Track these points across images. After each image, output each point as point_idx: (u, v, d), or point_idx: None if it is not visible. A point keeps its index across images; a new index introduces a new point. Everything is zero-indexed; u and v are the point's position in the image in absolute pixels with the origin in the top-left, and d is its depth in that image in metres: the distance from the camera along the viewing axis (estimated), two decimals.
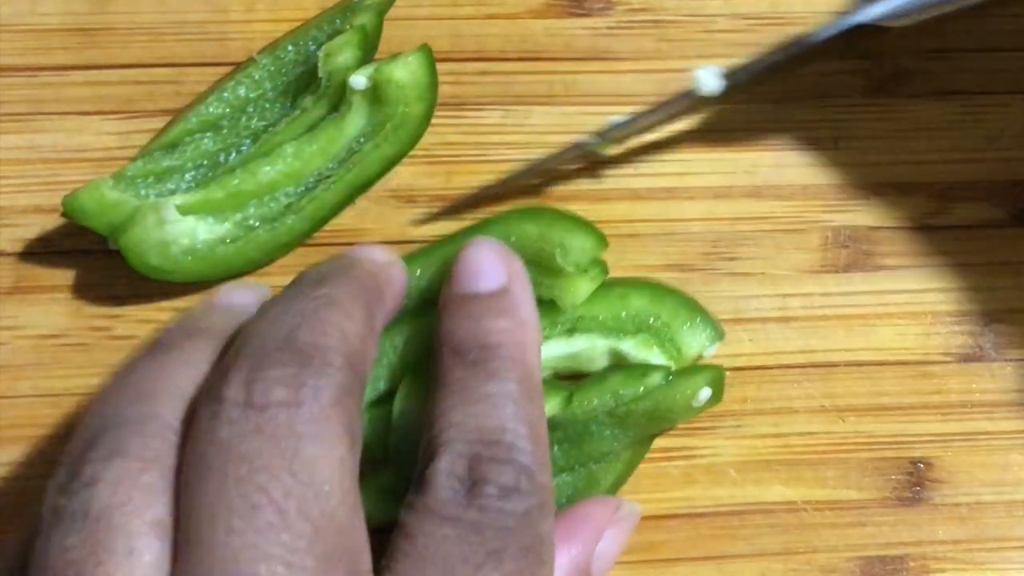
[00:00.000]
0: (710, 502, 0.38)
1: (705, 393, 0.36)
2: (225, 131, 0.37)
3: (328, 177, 0.36)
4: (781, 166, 0.39)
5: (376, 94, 0.36)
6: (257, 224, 0.36)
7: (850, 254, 0.39)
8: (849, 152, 0.39)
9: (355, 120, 0.36)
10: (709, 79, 0.35)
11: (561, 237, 0.36)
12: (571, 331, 0.36)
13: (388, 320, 0.33)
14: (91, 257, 0.38)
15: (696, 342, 0.37)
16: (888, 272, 0.39)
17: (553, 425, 0.35)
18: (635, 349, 0.36)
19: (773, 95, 0.39)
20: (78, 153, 0.38)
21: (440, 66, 0.39)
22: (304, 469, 0.26)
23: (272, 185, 0.36)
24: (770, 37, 0.40)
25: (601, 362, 0.37)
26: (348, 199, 0.37)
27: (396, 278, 0.33)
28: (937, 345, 0.39)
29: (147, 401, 0.28)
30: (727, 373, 0.38)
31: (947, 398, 0.38)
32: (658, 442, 0.38)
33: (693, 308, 0.37)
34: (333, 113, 0.37)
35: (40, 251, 0.38)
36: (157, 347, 0.30)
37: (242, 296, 0.33)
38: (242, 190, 0.36)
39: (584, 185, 0.39)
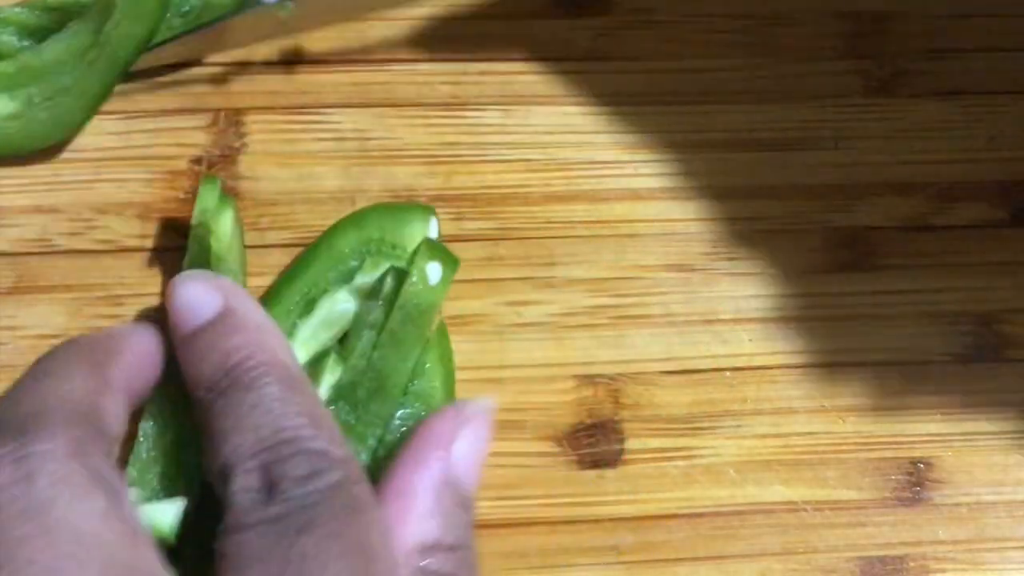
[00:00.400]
0: (710, 502, 0.38)
1: (433, 267, 0.36)
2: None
3: (89, 60, 0.37)
4: (781, 166, 0.39)
5: None
6: (38, 102, 0.37)
7: (850, 254, 0.39)
8: (849, 152, 0.39)
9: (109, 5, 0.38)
10: None
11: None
12: (308, 304, 0.37)
13: (146, 374, 0.33)
14: (91, 257, 0.38)
15: (414, 232, 0.37)
16: (888, 272, 0.39)
17: (352, 388, 0.35)
18: (370, 276, 0.37)
19: (773, 95, 0.39)
20: (78, 154, 0.38)
21: (440, 66, 0.39)
22: (63, 530, 0.26)
23: (56, 64, 0.37)
24: (770, 37, 0.40)
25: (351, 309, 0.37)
26: (112, 78, 0.38)
27: (136, 338, 0.33)
28: (937, 345, 0.39)
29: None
30: (728, 373, 0.38)
31: (947, 398, 0.38)
32: (658, 442, 0.38)
33: (393, 208, 0.37)
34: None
35: (40, 251, 0.38)
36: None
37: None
38: (30, 66, 0.37)
39: (584, 185, 0.39)
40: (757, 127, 0.39)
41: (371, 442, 0.35)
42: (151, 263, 0.38)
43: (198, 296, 0.33)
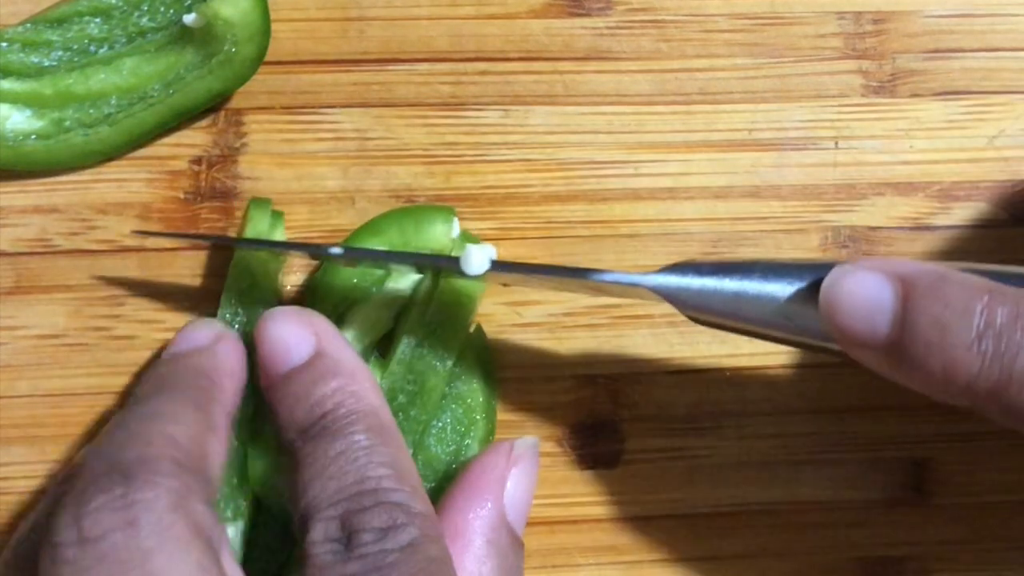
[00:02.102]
0: (710, 502, 0.38)
1: (476, 251, 0.35)
2: (114, 22, 0.37)
3: (151, 98, 0.37)
4: (781, 166, 0.39)
5: (209, 31, 0.36)
6: (72, 127, 0.37)
7: (850, 254, 0.39)
8: (849, 152, 0.39)
9: (189, 52, 0.37)
10: (479, 259, 0.34)
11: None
12: (339, 317, 0.37)
13: (237, 398, 0.33)
14: (91, 257, 0.38)
15: (437, 234, 0.37)
16: None
17: (392, 394, 0.36)
18: (400, 282, 0.37)
19: (773, 95, 0.39)
20: None
21: (440, 66, 0.39)
22: None
23: (100, 93, 0.37)
24: (770, 37, 0.40)
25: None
26: (166, 122, 0.37)
27: (226, 355, 0.33)
28: None
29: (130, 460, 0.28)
30: (728, 373, 0.38)
31: None
32: (658, 442, 0.38)
33: (411, 211, 0.38)
34: (178, 43, 0.37)
35: (40, 251, 0.38)
36: (130, 410, 0.31)
37: (193, 340, 0.34)
38: (71, 91, 0.37)
39: (584, 185, 0.39)
40: (757, 127, 0.39)
41: (410, 451, 0.35)
42: (151, 263, 0.38)
43: (291, 336, 0.33)
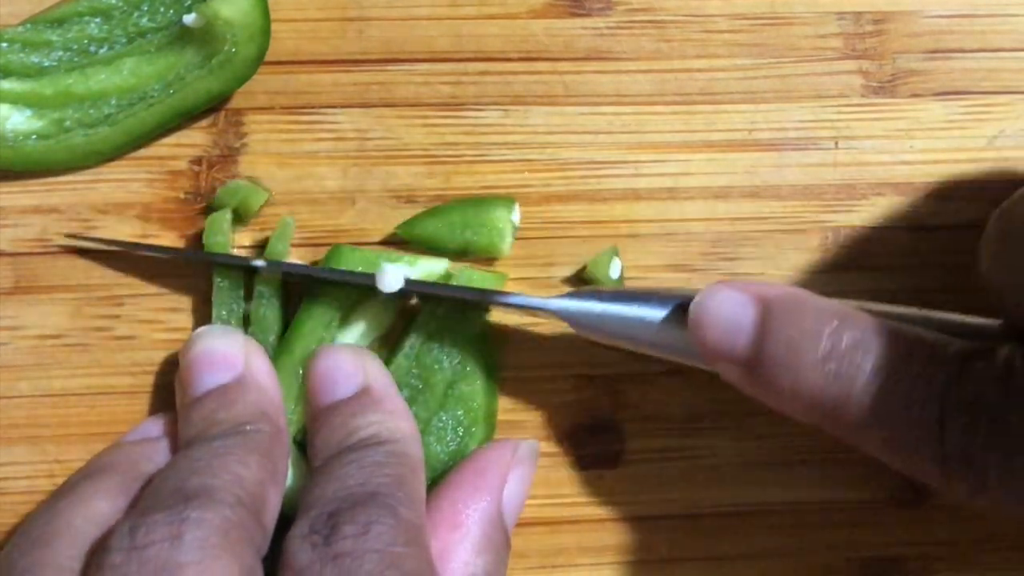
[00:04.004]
0: (710, 502, 0.38)
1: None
2: (114, 22, 0.37)
3: (151, 98, 0.37)
4: (781, 166, 0.39)
5: (209, 31, 0.36)
6: (72, 127, 0.37)
7: (850, 254, 0.39)
8: (849, 152, 0.39)
9: (189, 52, 0.37)
10: (393, 277, 0.35)
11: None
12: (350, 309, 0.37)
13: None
14: (91, 257, 0.38)
15: (500, 215, 0.37)
16: (888, 272, 0.39)
17: (398, 385, 0.36)
18: (418, 268, 0.37)
19: (773, 95, 0.39)
20: None
21: (440, 66, 0.39)
22: None
23: (100, 93, 0.37)
24: (770, 37, 0.40)
25: None
26: (166, 122, 0.37)
27: (277, 391, 0.34)
28: None
29: (40, 548, 0.29)
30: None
31: None
32: (658, 442, 0.38)
33: (475, 202, 0.38)
34: (178, 43, 0.37)
35: (40, 251, 0.38)
36: (57, 492, 0.31)
37: (145, 431, 0.35)
38: (71, 91, 0.37)
39: (584, 185, 0.39)
40: (757, 127, 0.39)
41: None
42: (151, 263, 0.38)
43: (343, 368, 0.34)
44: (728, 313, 0.31)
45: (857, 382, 0.29)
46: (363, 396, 0.34)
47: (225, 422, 0.32)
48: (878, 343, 0.30)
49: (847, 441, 0.31)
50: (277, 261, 0.36)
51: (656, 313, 0.33)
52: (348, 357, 0.35)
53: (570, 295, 0.34)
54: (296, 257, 0.38)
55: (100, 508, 0.30)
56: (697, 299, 0.32)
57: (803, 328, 0.30)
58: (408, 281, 0.35)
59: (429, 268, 0.37)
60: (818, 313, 0.31)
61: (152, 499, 0.29)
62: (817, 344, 0.30)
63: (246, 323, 0.37)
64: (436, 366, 0.36)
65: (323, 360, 0.35)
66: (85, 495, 0.31)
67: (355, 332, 0.37)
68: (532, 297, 0.35)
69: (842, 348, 0.30)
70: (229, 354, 0.34)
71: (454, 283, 0.37)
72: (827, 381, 0.30)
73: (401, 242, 0.38)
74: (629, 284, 0.38)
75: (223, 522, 0.28)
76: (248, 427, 0.32)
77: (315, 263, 0.38)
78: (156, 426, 0.35)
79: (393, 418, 0.33)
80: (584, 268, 0.38)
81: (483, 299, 0.36)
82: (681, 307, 0.33)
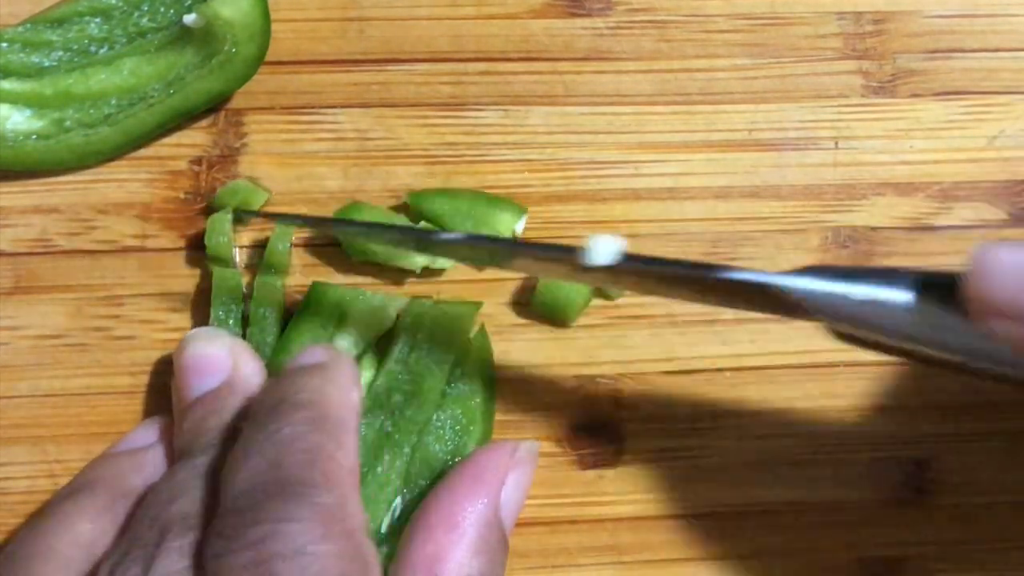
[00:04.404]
0: (710, 502, 0.38)
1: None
2: (114, 22, 0.37)
3: (151, 98, 0.37)
4: (781, 166, 0.39)
5: (209, 31, 0.36)
6: (72, 127, 0.37)
7: (850, 254, 0.39)
8: (849, 152, 0.39)
9: (189, 52, 0.37)
10: (606, 250, 0.31)
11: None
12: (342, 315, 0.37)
13: None
14: (91, 257, 0.38)
15: (507, 219, 0.37)
16: None
17: (387, 393, 0.36)
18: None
19: (773, 95, 0.39)
20: None
21: (440, 66, 0.39)
22: None
23: (100, 93, 0.37)
24: (770, 37, 0.40)
25: None
26: (166, 122, 0.37)
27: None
28: None
29: (21, 571, 0.29)
30: (728, 373, 0.38)
31: (947, 398, 0.38)
32: (658, 442, 0.38)
33: (488, 197, 0.38)
34: (178, 43, 0.37)
35: (40, 251, 0.38)
36: (42, 511, 0.31)
37: (133, 440, 0.34)
38: (71, 91, 0.37)
39: (584, 185, 0.39)
40: (757, 127, 0.39)
41: (407, 449, 0.36)
42: (151, 263, 0.38)
43: (311, 349, 0.33)
44: (1018, 258, 0.26)
45: None
46: (317, 366, 0.32)
47: (213, 430, 0.32)
48: None
49: None
50: (478, 235, 0.36)
51: (903, 288, 0.27)
52: (320, 346, 0.34)
53: (801, 271, 0.29)
54: (296, 259, 0.38)
55: (83, 531, 0.30)
56: (977, 253, 0.27)
57: None
58: (622, 254, 0.31)
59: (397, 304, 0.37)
60: None
61: (133, 533, 0.29)
62: None
63: (245, 323, 0.37)
64: (428, 371, 0.36)
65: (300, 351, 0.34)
66: (68, 516, 0.30)
67: (348, 336, 0.37)
68: (757, 272, 0.29)
69: None
70: (217, 358, 0.34)
71: (428, 317, 0.36)
72: None
73: (404, 208, 0.38)
74: None
75: (194, 549, 0.27)
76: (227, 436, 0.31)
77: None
78: (145, 434, 0.35)
79: (326, 382, 0.31)
80: None
81: (705, 275, 0.30)
82: (935, 283, 0.28)
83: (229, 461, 0.29)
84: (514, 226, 0.37)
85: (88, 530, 0.30)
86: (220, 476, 0.29)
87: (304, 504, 0.27)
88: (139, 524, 0.29)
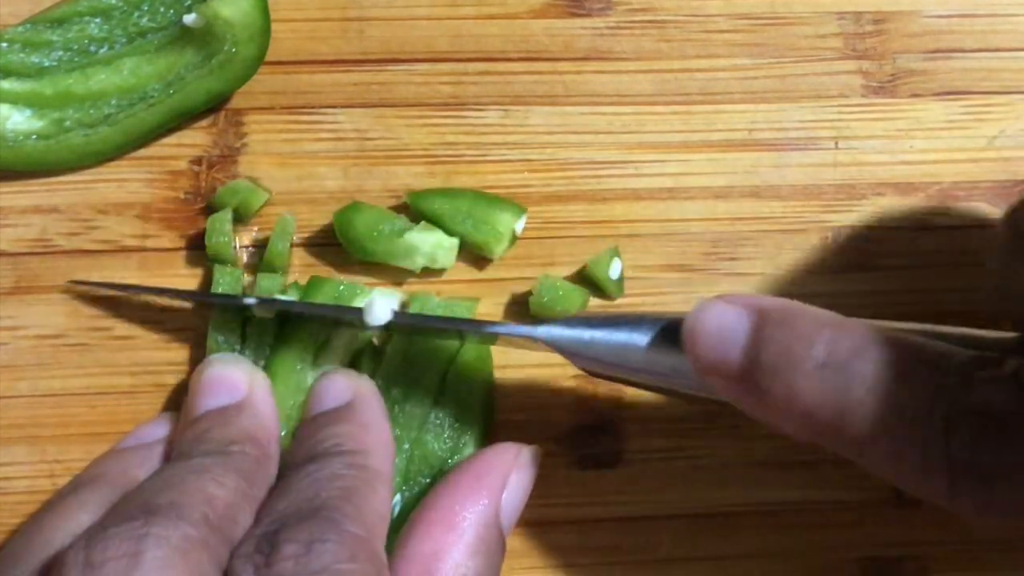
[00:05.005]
0: (710, 502, 0.38)
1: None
2: (114, 22, 0.37)
3: (151, 98, 0.37)
4: (781, 166, 0.39)
5: (209, 31, 0.36)
6: (72, 127, 0.37)
7: (850, 254, 0.39)
8: (849, 152, 0.39)
9: (189, 52, 0.37)
10: (381, 310, 0.35)
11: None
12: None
13: (278, 460, 0.33)
14: (91, 257, 0.38)
15: (506, 219, 0.37)
16: (888, 272, 0.39)
17: (386, 387, 0.36)
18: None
19: (773, 95, 0.39)
20: None
21: (440, 66, 0.39)
22: None
23: (100, 93, 0.37)
24: (770, 37, 0.40)
25: None
26: (166, 122, 0.37)
27: (271, 414, 0.34)
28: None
29: (16, 566, 0.29)
30: None
31: None
32: (658, 442, 0.38)
33: (488, 197, 0.38)
34: (178, 43, 0.37)
35: (40, 251, 0.38)
36: (46, 504, 0.31)
37: (140, 435, 0.35)
38: (71, 91, 0.37)
39: (584, 185, 0.39)
40: (757, 127, 0.39)
41: (406, 445, 0.36)
42: (151, 263, 0.38)
43: (334, 386, 0.35)
44: (722, 323, 0.30)
45: (856, 390, 0.28)
46: (345, 409, 0.34)
47: (212, 441, 0.32)
48: (877, 350, 0.29)
49: (848, 456, 0.30)
50: (269, 298, 0.36)
51: (646, 336, 0.32)
52: (341, 376, 0.35)
53: (558, 322, 0.33)
54: (296, 259, 0.38)
55: (81, 522, 0.30)
56: (690, 313, 0.31)
57: (798, 334, 0.29)
58: (395, 313, 0.35)
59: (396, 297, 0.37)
60: (814, 320, 0.30)
61: (116, 513, 0.28)
62: (813, 350, 0.29)
63: (245, 323, 0.37)
64: (426, 366, 0.36)
65: (319, 381, 0.35)
66: (69, 509, 0.30)
67: (348, 334, 0.37)
68: (518, 326, 0.34)
69: (840, 354, 0.29)
70: (233, 379, 0.34)
71: (413, 311, 0.37)
72: (824, 390, 0.29)
73: (404, 208, 0.38)
74: (629, 284, 0.38)
75: (183, 540, 0.27)
76: (234, 447, 0.31)
77: (310, 283, 0.38)
78: (152, 430, 0.35)
79: (362, 430, 0.33)
80: (584, 268, 0.38)
81: (471, 330, 0.35)
82: (672, 329, 0.32)
83: (268, 499, 0.30)
84: (514, 226, 0.37)
85: (87, 521, 0.30)
86: (258, 513, 0.30)
87: (336, 529, 0.28)
88: (125, 504, 0.29)
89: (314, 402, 0.34)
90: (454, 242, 0.37)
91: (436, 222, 0.37)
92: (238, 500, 0.30)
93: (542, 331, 0.33)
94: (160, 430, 0.35)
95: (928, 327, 0.31)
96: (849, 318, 0.30)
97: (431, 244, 0.37)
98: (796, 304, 0.31)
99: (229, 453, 0.31)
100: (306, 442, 0.32)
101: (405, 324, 0.35)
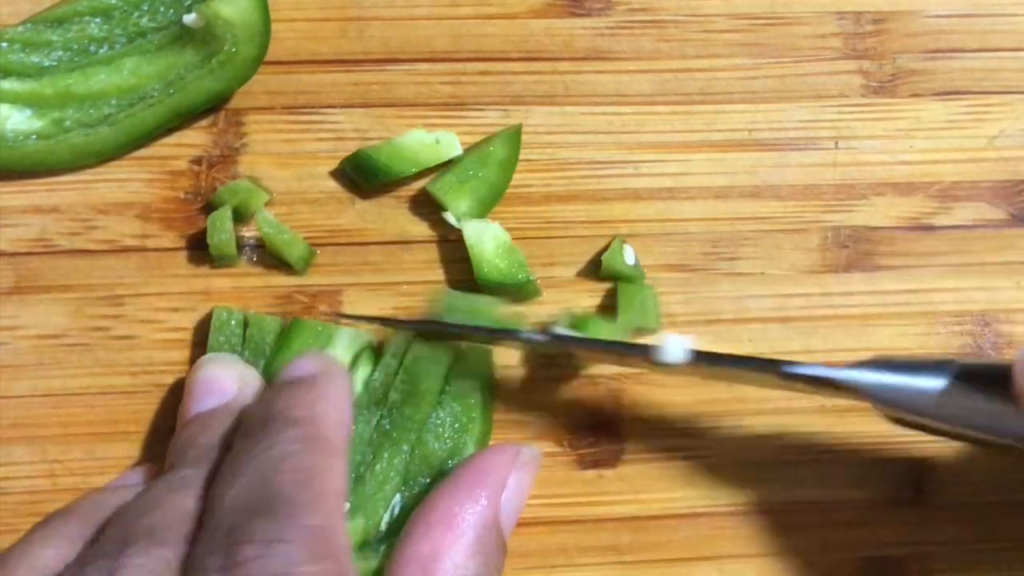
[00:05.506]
0: (710, 502, 0.38)
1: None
2: (114, 22, 0.37)
3: (151, 98, 0.37)
4: (781, 166, 0.39)
5: (209, 31, 0.36)
6: (72, 127, 0.37)
7: (850, 254, 0.39)
8: (849, 152, 0.39)
9: (189, 52, 0.37)
10: (676, 349, 0.33)
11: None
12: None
13: None
14: (91, 257, 0.38)
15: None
16: (888, 272, 0.39)
17: (384, 389, 0.36)
18: None
19: (773, 95, 0.39)
20: None
21: (440, 66, 0.39)
22: None
23: (100, 93, 0.37)
24: (770, 37, 0.40)
25: None
26: (166, 122, 0.37)
27: None
28: (937, 345, 0.39)
29: None
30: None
31: None
32: (658, 442, 0.38)
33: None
34: (178, 43, 0.37)
35: (40, 251, 0.38)
36: (13, 544, 0.30)
37: (125, 479, 0.34)
38: (71, 91, 0.37)
39: (584, 185, 0.39)
40: (757, 127, 0.39)
41: (406, 447, 0.36)
42: (151, 263, 0.38)
43: (304, 361, 0.33)
44: None
45: None
46: (307, 380, 0.32)
47: (199, 447, 0.31)
48: None
49: None
50: (554, 332, 0.36)
51: (957, 380, 0.30)
52: (313, 355, 0.34)
53: (862, 365, 0.31)
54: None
55: (45, 557, 0.29)
56: (1020, 353, 0.29)
57: None
58: (690, 352, 0.33)
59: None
60: None
61: (97, 545, 0.28)
62: None
63: (246, 324, 0.37)
64: (425, 372, 0.36)
65: (294, 360, 0.34)
66: (35, 543, 0.29)
67: (348, 334, 0.37)
68: (821, 367, 0.32)
69: None
70: (223, 380, 0.34)
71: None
72: None
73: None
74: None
75: (158, 565, 0.26)
76: (216, 454, 0.31)
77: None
78: (133, 476, 0.34)
79: (319, 399, 0.31)
80: (588, 264, 0.38)
81: (767, 371, 0.33)
82: (986, 373, 0.29)
83: (219, 477, 0.29)
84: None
85: (51, 555, 0.29)
86: (209, 492, 0.29)
87: (293, 525, 0.27)
88: (105, 536, 0.28)
89: (281, 375, 0.33)
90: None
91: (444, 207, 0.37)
92: None
93: (846, 375, 0.31)
94: (139, 476, 0.34)
95: None
96: None
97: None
98: None
99: (204, 458, 0.30)
100: (260, 405, 0.32)
101: (699, 364, 0.33)
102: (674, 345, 0.33)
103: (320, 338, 0.36)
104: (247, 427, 0.31)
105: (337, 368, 0.34)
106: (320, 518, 0.28)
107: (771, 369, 0.33)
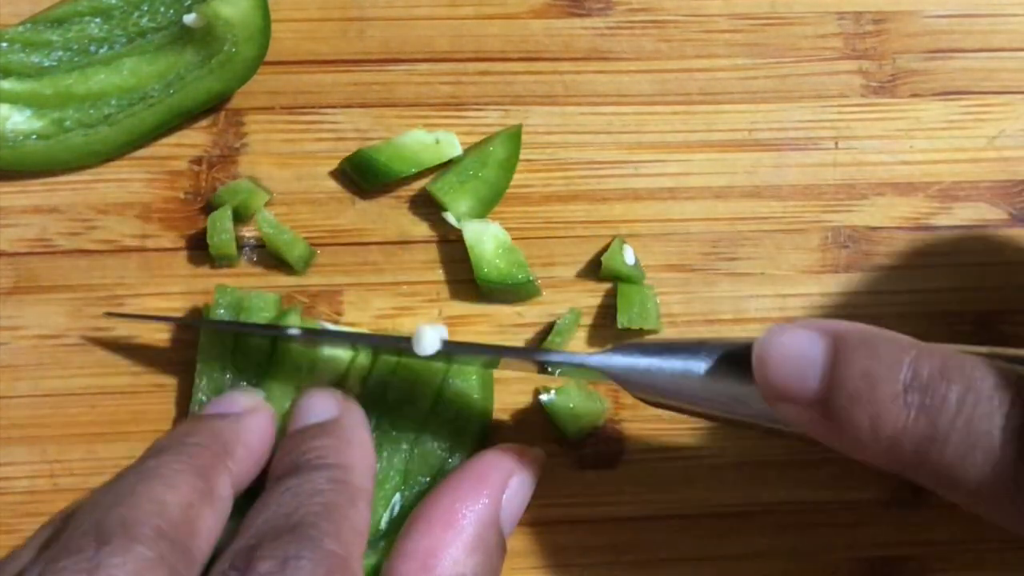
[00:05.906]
0: (710, 502, 0.38)
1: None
2: (114, 22, 0.37)
3: (151, 98, 0.37)
4: (781, 166, 0.39)
5: (209, 31, 0.36)
6: (72, 127, 0.37)
7: (850, 254, 0.39)
8: (849, 152, 0.39)
9: (189, 52, 0.37)
10: (431, 339, 0.33)
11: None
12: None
13: (251, 473, 0.32)
14: (91, 257, 0.38)
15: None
16: (888, 272, 0.39)
17: (381, 389, 0.36)
18: None
19: (773, 95, 0.39)
20: None
21: (440, 66, 0.39)
22: None
23: (100, 93, 0.37)
24: (770, 37, 0.40)
25: None
26: (166, 122, 0.37)
27: (252, 428, 0.33)
28: None
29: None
30: None
31: None
32: (658, 442, 0.38)
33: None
34: (178, 43, 0.37)
35: (40, 251, 0.38)
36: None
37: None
38: (71, 91, 0.37)
39: (584, 185, 0.39)
40: (757, 127, 0.39)
41: (405, 446, 0.36)
42: (151, 263, 0.38)
43: (320, 401, 0.34)
44: (796, 348, 0.29)
45: (944, 414, 0.27)
46: (330, 424, 0.33)
47: (171, 436, 0.31)
48: (962, 372, 0.28)
49: (934, 488, 0.29)
50: (314, 329, 0.36)
51: (705, 363, 0.30)
52: (329, 393, 0.35)
53: (614, 350, 0.32)
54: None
55: (22, 558, 0.28)
56: (761, 338, 0.30)
57: (880, 357, 0.28)
58: (444, 343, 0.34)
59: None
60: (895, 342, 0.29)
61: (66, 538, 0.27)
62: (896, 374, 0.27)
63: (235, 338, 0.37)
64: (423, 371, 0.36)
65: (304, 396, 0.34)
66: (21, 549, 0.29)
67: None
68: (572, 354, 0.33)
69: (924, 377, 0.27)
70: (233, 400, 0.34)
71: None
72: (910, 414, 0.27)
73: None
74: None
75: (139, 563, 0.26)
76: (189, 439, 0.31)
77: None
78: (237, 401, 0.34)
79: (347, 445, 0.32)
80: (588, 264, 0.38)
81: (521, 358, 0.34)
82: (734, 355, 0.30)
83: (249, 512, 0.30)
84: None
85: (27, 556, 0.28)
86: (240, 525, 0.29)
87: (312, 546, 0.28)
88: (73, 529, 0.27)
89: (299, 416, 0.34)
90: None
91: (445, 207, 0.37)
92: (193, 500, 0.29)
93: (596, 360, 0.32)
94: (249, 399, 0.35)
95: (998, 350, 0.30)
96: (930, 343, 0.29)
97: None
98: (873, 328, 0.30)
99: (182, 445, 0.30)
100: (289, 454, 0.32)
101: (454, 352, 0.34)
102: (428, 336, 0.33)
103: (252, 306, 0.36)
104: (276, 473, 0.31)
105: (355, 408, 0.34)
106: (340, 547, 0.28)
107: (528, 358, 0.34)
